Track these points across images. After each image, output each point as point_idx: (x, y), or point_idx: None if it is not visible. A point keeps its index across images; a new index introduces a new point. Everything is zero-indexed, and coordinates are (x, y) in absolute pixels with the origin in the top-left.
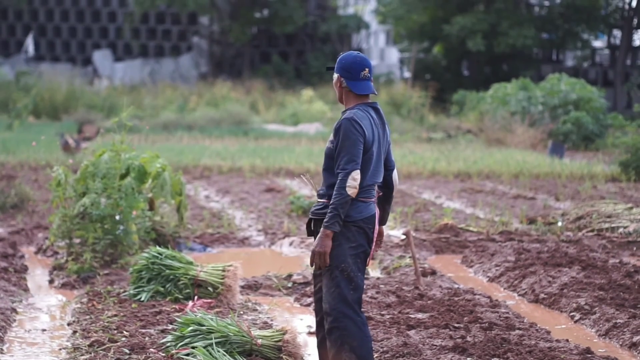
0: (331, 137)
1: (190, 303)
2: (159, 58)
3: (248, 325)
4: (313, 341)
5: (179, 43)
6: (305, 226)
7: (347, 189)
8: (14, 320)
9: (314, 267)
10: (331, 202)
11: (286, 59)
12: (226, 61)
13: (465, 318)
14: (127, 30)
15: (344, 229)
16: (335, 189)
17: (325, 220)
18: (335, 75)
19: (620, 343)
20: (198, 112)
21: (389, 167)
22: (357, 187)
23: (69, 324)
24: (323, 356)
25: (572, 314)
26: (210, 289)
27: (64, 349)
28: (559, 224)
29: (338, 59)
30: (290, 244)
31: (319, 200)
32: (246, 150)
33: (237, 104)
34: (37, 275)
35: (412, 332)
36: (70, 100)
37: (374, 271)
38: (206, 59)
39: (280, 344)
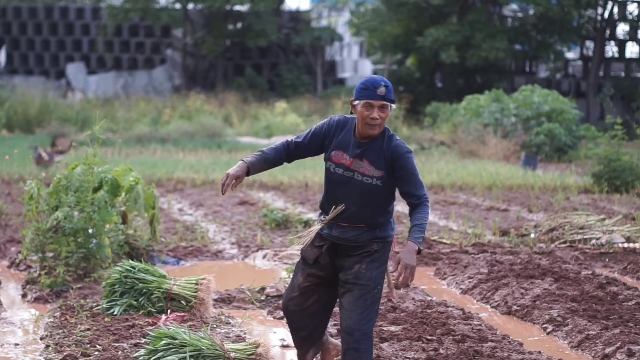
0: (372, 170)
1: (163, 317)
2: (133, 71)
3: (221, 339)
4: (286, 354)
5: (153, 56)
6: (303, 247)
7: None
8: None
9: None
10: (421, 221)
11: (260, 71)
12: (200, 74)
13: (438, 330)
14: (101, 43)
15: (387, 250)
16: (424, 212)
17: (417, 236)
18: (393, 105)
19: (593, 355)
20: (172, 125)
21: None
22: None
23: (41, 338)
24: None
25: (544, 325)
26: (183, 302)
27: None
28: (532, 235)
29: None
30: (264, 256)
31: (357, 225)
32: (220, 162)
33: (211, 117)
34: (10, 289)
35: (385, 345)
36: (44, 114)
37: None
38: (180, 72)
39: (253, 357)
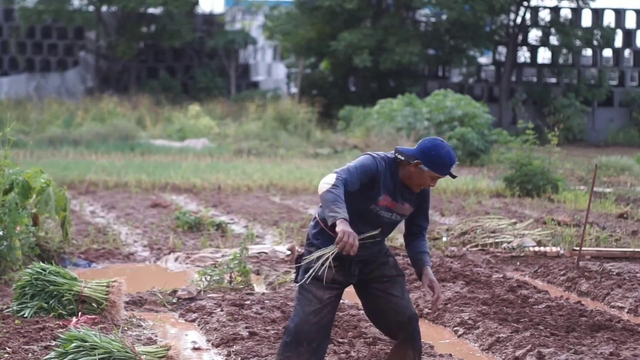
0: (408, 210)
1: (74, 319)
2: (45, 72)
3: (132, 342)
4: (197, 357)
5: (66, 58)
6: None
7: None
8: None
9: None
10: (428, 249)
11: (173, 74)
12: (113, 76)
13: (350, 333)
14: (13, 44)
15: None
16: (426, 240)
17: (430, 261)
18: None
19: (503, 357)
20: (84, 127)
21: None
22: None
23: None
24: None
25: (455, 328)
26: (94, 305)
27: None
28: (444, 239)
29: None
30: (176, 259)
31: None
32: (132, 165)
33: (124, 119)
34: None
35: None
36: None
37: (259, 286)
38: (93, 74)
39: (164, 359)
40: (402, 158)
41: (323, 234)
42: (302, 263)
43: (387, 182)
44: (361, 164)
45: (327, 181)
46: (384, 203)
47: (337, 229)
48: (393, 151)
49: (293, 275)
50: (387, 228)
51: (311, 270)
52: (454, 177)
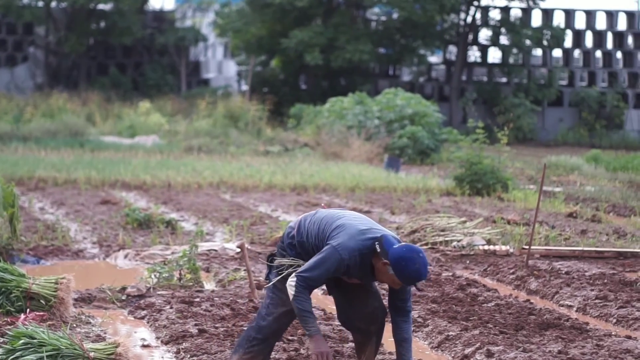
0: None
1: (22, 316)
2: None
3: (80, 338)
4: (146, 354)
5: (15, 53)
6: None
7: None
8: None
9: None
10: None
11: (123, 70)
12: (62, 72)
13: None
14: None
15: None
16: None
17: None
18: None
19: (453, 355)
20: (34, 123)
21: None
22: None
23: None
24: None
25: None
26: (42, 301)
27: None
28: None
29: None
30: (125, 256)
31: None
32: (82, 162)
33: (74, 116)
34: None
35: None
36: None
37: (208, 284)
38: (42, 70)
39: (113, 356)
40: (379, 250)
41: (294, 248)
42: (274, 264)
43: (356, 272)
44: (324, 264)
45: (290, 288)
46: (353, 281)
47: (311, 347)
48: (378, 232)
49: (243, 273)
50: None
51: (284, 273)
52: (419, 290)
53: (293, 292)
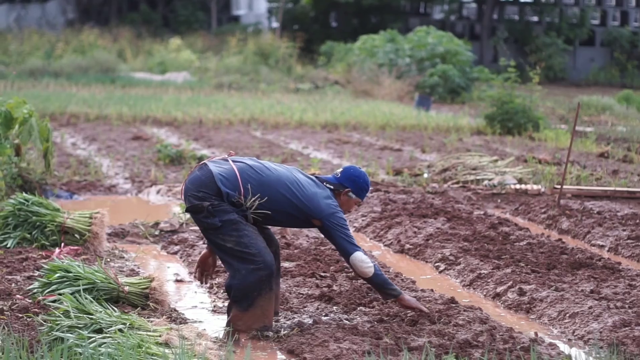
0: None
1: (57, 250)
2: (26, 4)
3: (115, 273)
4: (180, 288)
5: None
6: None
7: None
8: None
9: None
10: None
11: (154, 7)
12: (94, 8)
13: (332, 267)
14: None
15: None
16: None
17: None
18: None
19: (484, 293)
20: (65, 59)
21: None
22: None
23: None
24: None
25: (437, 264)
26: (77, 236)
27: None
28: (425, 175)
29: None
30: (158, 192)
31: None
32: (113, 98)
33: (105, 52)
34: None
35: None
36: None
37: None
38: (73, 6)
39: (147, 291)
40: (332, 187)
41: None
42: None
43: None
44: (347, 226)
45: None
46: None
47: (406, 304)
48: (315, 175)
49: None
50: None
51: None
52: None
53: (368, 266)
